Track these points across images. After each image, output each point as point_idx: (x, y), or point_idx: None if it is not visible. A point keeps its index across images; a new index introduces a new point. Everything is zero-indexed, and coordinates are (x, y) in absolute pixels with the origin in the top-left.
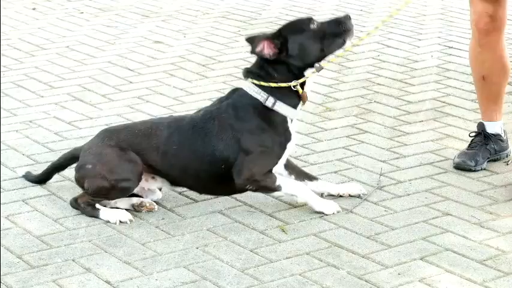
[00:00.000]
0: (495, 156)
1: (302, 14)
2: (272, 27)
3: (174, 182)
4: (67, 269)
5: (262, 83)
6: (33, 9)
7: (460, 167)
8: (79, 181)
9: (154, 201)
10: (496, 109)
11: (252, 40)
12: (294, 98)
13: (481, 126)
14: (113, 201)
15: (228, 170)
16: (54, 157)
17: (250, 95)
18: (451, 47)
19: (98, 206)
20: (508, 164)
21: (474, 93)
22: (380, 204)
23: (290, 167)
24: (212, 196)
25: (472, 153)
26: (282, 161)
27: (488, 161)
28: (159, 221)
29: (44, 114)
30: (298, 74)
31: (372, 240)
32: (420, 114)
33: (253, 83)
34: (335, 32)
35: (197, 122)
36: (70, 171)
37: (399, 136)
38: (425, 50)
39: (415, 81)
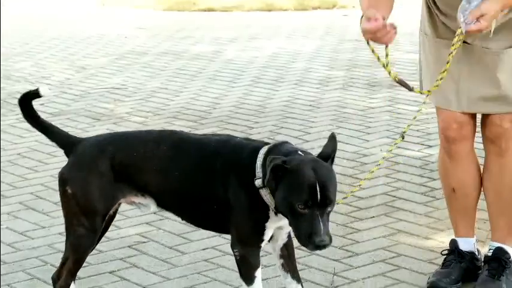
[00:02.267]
0: (470, 275)
1: (252, 112)
2: (223, 126)
3: (162, 204)
4: None
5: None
6: None
7: (434, 287)
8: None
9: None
10: (469, 224)
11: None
12: None
13: (453, 243)
14: None
15: (219, 212)
16: (7, 270)
17: (256, 160)
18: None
19: None
20: None
21: (424, 186)
22: None
23: (288, 251)
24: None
25: (446, 273)
26: (268, 237)
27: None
28: None
29: None
30: None
31: None
32: (371, 210)
33: (265, 157)
34: (300, 228)
35: (206, 150)
36: (23, 286)
37: (351, 233)
38: (374, 143)
39: (365, 176)
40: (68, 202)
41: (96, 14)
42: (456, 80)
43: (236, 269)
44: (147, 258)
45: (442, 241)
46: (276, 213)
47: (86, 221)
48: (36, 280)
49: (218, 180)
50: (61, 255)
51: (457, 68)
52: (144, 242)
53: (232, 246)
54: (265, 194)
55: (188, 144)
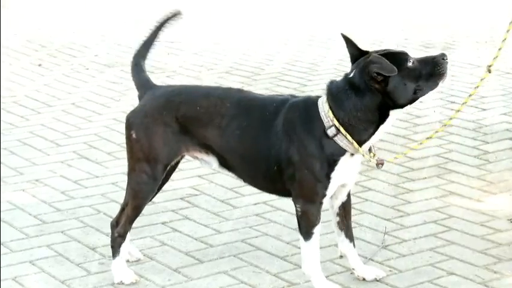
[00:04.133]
0: None
1: (305, 69)
2: (276, 83)
3: (224, 163)
4: None
5: (330, 113)
6: (39, 65)
7: None
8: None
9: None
10: None
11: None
12: (364, 135)
13: None
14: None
15: (279, 173)
16: (61, 217)
17: (319, 112)
18: (453, 102)
19: (121, 250)
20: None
21: (477, 149)
22: (385, 264)
23: (346, 209)
24: (217, 256)
25: None
26: (331, 193)
27: None
28: (165, 282)
29: (50, 172)
30: (384, 113)
31: None
32: (423, 171)
33: (328, 103)
34: (430, 73)
35: (268, 111)
36: (77, 233)
37: (403, 194)
38: (427, 105)
39: (418, 137)
40: (132, 147)
41: None
42: None
43: (287, 224)
44: (198, 211)
45: (495, 204)
46: (352, 155)
47: (148, 168)
48: (89, 228)
49: (279, 138)
50: (114, 205)
51: None
52: (196, 195)
53: (295, 201)
54: (341, 139)
55: (252, 102)
